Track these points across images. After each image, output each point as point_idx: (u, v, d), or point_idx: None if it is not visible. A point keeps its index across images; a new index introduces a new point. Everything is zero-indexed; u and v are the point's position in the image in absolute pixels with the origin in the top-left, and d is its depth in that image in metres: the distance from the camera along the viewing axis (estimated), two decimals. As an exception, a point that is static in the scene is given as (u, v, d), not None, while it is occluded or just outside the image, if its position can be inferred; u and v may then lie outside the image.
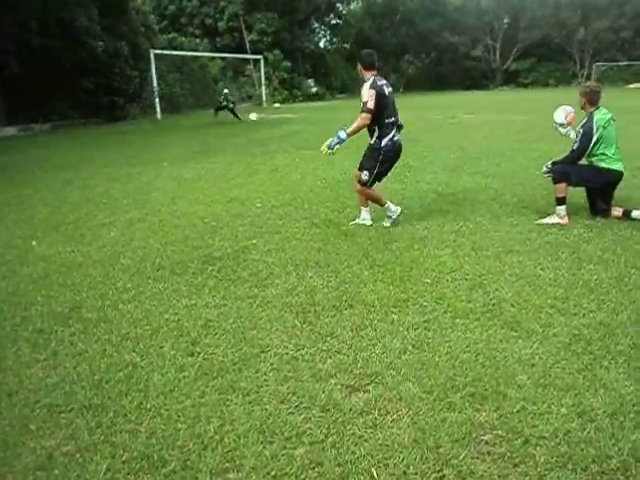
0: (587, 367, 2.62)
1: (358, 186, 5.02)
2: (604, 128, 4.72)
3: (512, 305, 3.31)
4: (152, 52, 20.52)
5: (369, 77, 4.68)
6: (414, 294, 3.52)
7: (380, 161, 4.87)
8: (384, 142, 4.78)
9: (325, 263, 4.14)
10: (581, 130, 4.76)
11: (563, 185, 4.84)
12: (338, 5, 42.37)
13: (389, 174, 5.20)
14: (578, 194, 5.29)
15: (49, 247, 4.82)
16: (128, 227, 5.40)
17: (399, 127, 4.95)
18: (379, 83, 4.66)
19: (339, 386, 2.54)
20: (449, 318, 3.18)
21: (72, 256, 4.55)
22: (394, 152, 4.91)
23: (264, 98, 28.18)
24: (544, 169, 5.10)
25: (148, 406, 2.41)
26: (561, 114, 5.11)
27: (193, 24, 33.57)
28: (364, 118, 4.63)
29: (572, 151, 4.84)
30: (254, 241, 4.75)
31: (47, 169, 9.38)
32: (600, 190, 4.94)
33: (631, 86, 38.04)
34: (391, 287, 3.63)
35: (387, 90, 4.73)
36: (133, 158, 10.31)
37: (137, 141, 13.54)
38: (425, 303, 3.39)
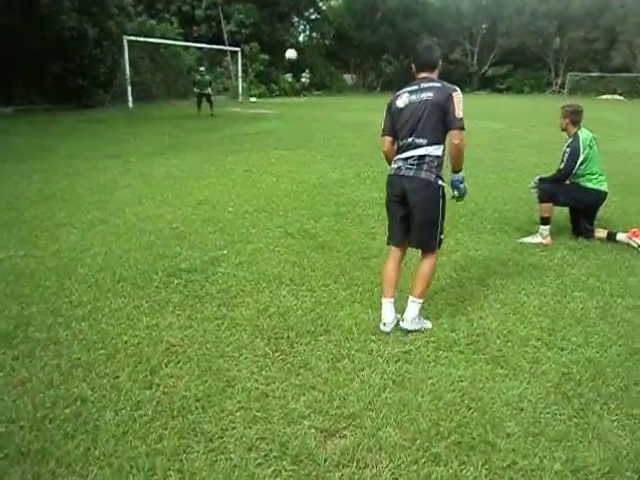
0: (578, 413, 2.44)
1: None
2: (590, 147, 4.61)
3: (497, 336, 3.13)
4: (125, 38, 19.75)
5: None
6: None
7: (386, 196, 3.32)
8: (388, 171, 3.27)
9: (300, 280, 3.89)
10: (567, 150, 4.63)
11: (549, 205, 4.71)
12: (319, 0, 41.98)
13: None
14: (561, 213, 5.18)
15: (-1, 250, 4.43)
16: (89, 229, 5.03)
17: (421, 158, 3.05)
18: (398, 93, 3.16)
19: (313, 430, 2.30)
20: (432, 349, 2.97)
21: (24, 262, 4.17)
22: (388, 189, 3.24)
23: (240, 91, 27.64)
24: (531, 184, 4.97)
25: (97, 453, 2.12)
26: None
27: (169, 10, 32.63)
28: (381, 141, 3.33)
29: (559, 170, 4.71)
30: (224, 251, 4.46)
31: (6, 158, 8.82)
32: (585, 210, 4.83)
33: (603, 97, 38.87)
34: (369, 311, 3.41)
35: (406, 100, 3.07)
36: (100, 150, 9.81)
37: (105, 131, 12.98)
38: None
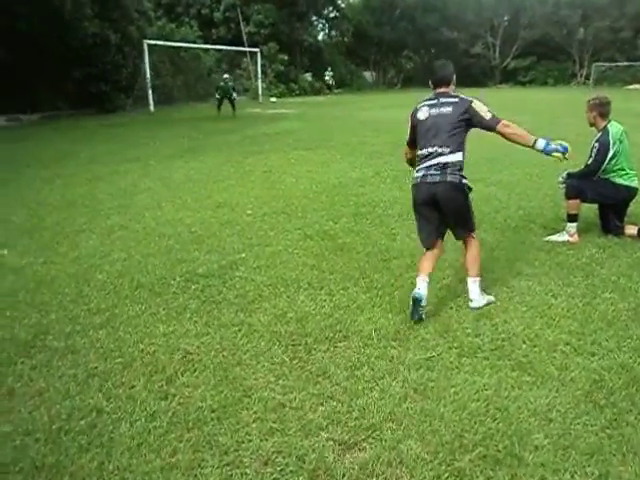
0: (611, 424, 2.31)
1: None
2: (620, 142, 4.42)
3: (523, 341, 3.00)
4: (145, 42, 19.95)
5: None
6: (415, 324, 3.20)
7: (412, 203, 3.57)
8: (413, 180, 3.52)
9: (318, 284, 3.81)
10: (597, 144, 4.44)
11: (576, 202, 4.53)
12: (337, -2, 41.84)
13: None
14: (590, 209, 4.99)
15: (21, 257, 4.46)
16: (109, 235, 5.05)
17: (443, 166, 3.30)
18: (419, 105, 3.47)
19: (331, 442, 2.22)
20: (455, 356, 2.87)
21: (45, 269, 4.20)
22: (416, 195, 3.46)
23: (260, 92, 27.69)
24: (559, 179, 4.79)
25: (110, 467, 2.09)
26: None
27: (189, 14, 32.92)
28: (405, 151, 3.80)
29: (587, 165, 4.52)
30: (243, 255, 4.41)
31: (30, 164, 8.98)
32: (614, 206, 4.64)
33: (630, 87, 37.78)
34: (390, 315, 3.32)
35: (427, 113, 3.39)
36: (120, 154, 9.91)
37: (126, 135, 13.11)
38: (427, 336, 3.07)
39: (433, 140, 3.33)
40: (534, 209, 5.64)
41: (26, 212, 5.87)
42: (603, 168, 4.45)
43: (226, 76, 18.63)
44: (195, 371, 2.76)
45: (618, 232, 4.67)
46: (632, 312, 3.33)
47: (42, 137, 13.19)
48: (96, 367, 2.79)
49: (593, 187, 4.54)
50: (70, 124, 16.12)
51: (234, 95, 17.88)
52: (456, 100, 3.36)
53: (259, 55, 27.69)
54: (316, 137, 11.96)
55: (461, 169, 3.35)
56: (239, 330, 3.17)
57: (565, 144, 3.41)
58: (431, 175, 3.32)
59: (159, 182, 7.35)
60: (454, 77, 3.53)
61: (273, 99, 27.71)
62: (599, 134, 4.49)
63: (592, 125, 4.63)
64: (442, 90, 3.46)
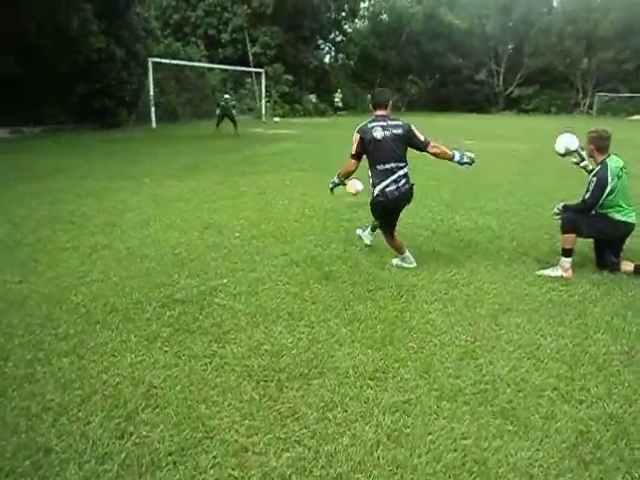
0: (597, 483, 2.14)
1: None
2: (618, 177, 4.29)
3: (508, 385, 2.84)
4: (150, 60, 20.12)
5: (371, 118, 4.39)
6: (395, 362, 3.05)
7: (374, 211, 4.65)
8: (376, 191, 4.38)
9: (299, 314, 3.66)
10: (594, 179, 4.32)
11: (572, 236, 4.39)
12: (344, 22, 42.33)
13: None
14: (584, 243, 4.85)
15: (-4, 275, 4.33)
16: (90, 254, 4.92)
17: (403, 176, 4.39)
18: (370, 125, 4.26)
19: (293, 494, 2.06)
20: (434, 399, 2.70)
21: (18, 288, 4.06)
22: (388, 203, 4.42)
23: (263, 112, 27.84)
24: (555, 210, 4.66)
25: (49, 516, 1.92)
26: (570, 141, 4.71)
27: (196, 34, 33.32)
28: (348, 163, 4.51)
29: (584, 201, 4.39)
30: (224, 280, 4.27)
31: (25, 177, 8.89)
32: (610, 242, 4.51)
33: (633, 118, 37.98)
34: (369, 351, 3.16)
35: (382, 134, 4.23)
36: (115, 170, 9.83)
37: (124, 151, 13.07)
38: (407, 376, 2.91)
39: (392, 157, 4.26)
40: (528, 241, 5.50)
41: (10, 227, 5.74)
42: (600, 203, 4.32)
43: (227, 96, 18.69)
44: (157, 407, 2.60)
45: (614, 268, 4.52)
46: (624, 356, 3.17)
47: (40, 150, 13.16)
48: (53, 399, 2.63)
49: (590, 222, 4.41)
50: (71, 138, 16.13)
51: (232, 112, 17.89)
52: (400, 123, 4.31)
53: (264, 76, 27.91)
54: (315, 159, 11.90)
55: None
56: (210, 362, 3.02)
57: (472, 156, 4.41)
58: (402, 185, 4.34)
59: (150, 200, 7.24)
60: (391, 102, 4.43)
61: (276, 119, 27.85)
62: (597, 168, 4.37)
63: (591, 157, 4.53)
64: (382, 113, 4.33)
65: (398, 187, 4.32)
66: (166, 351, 3.15)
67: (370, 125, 4.26)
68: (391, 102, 4.44)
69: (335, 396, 2.71)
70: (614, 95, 42.36)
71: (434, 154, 4.38)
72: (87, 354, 3.09)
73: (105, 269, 4.52)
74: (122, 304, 3.78)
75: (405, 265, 4.58)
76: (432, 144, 4.33)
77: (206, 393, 2.72)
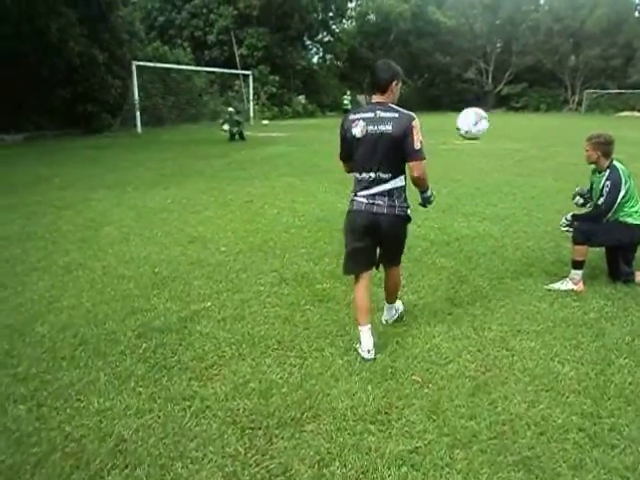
0: None
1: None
2: (629, 178, 4.02)
3: (527, 425, 2.50)
4: (134, 63, 19.66)
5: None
6: (399, 400, 2.70)
7: (345, 230, 3.26)
8: (352, 204, 3.16)
9: (289, 342, 3.31)
10: (608, 183, 4.00)
11: (584, 247, 4.06)
12: (332, 22, 42.00)
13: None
14: (593, 252, 4.53)
15: (-45, 303, 3.94)
16: (63, 275, 4.53)
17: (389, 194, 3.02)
18: (351, 117, 3.02)
19: None
20: (446, 447, 2.36)
21: (-22, 318, 3.67)
22: (356, 222, 3.13)
23: (252, 114, 27.40)
24: (563, 221, 4.32)
25: None
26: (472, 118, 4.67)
27: (182, 36, 32.83)
28: (342, 165, 3.32)
29: (597, 206, 4.08)
30: (208, 303, 3.91)
31: (1, 190, 8.46)
32: (623, 249, 4.20)
33: (622, 114, 38.00)
34: (369, 387, 2.81)
35: (362, 130, 2.95)
36: (97, 179, 9.42)
37: (108, 158, 12.63)
38: (413, 417, 2.57)
39: (374, 164, 2.97)
40: (533, 250, 5.17)
41: (-23, 246, 5.34)
42: (614, 209, 4.02)
43: (230, 109, 18.07)
44: (126, 467, 2.23)
45: (628, 279, 4.22)
46: (653, 385, 2.85)
47: (20, 159, 12.69)
48: (3, 461, 2.26)
49: (604, 230, 4.09)
50: (53, 145, 15.66)
51: (241, 124, 17.23)
52: (395, 116, 2.91)
53: (251, 78, 27.49)
54: (304, 163, 11.55)
55: (404, 194, 3.10)
56: (189, 406, 2.65)
57: (433, 198, 3.26)
58: (378, 205, 3.02)
59: (131, 212, 6.85)
60: (394, 83, 2.99)
61: (265, 122, 27.41)
62: (607, 172, 4.05)
63: (592, 163, 4.22)
64: (378, 99, 3.02)
65: (370, 203, 3.03)
66: (140, 392, 2.78)
67: (352, 117, 3.02)
68: (395, 84, 3.00)
69: (332, 446, 2.36)
70: (602, 92, 42.42)
71: (414, 178, 3.01)
72: (48, 399, 2.71)
73: (77, 292, 4.13)
74: (93, 335, 3.41)
75: (361, 350, 3.12)
76: (419, 164, 2.93)
77: (184, 447, 2.36)
